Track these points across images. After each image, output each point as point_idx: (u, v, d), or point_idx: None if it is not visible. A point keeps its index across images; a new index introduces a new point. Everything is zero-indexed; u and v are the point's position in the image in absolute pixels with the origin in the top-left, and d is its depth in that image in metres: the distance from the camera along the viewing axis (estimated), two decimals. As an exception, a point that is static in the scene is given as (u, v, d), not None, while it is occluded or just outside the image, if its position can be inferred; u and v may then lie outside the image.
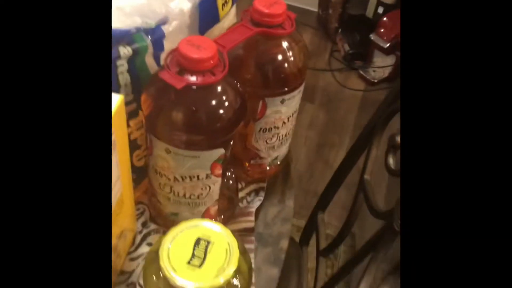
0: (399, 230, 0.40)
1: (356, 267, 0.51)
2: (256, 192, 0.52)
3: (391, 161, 0.44)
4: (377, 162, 0.54)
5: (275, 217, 0.51)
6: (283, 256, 0.48)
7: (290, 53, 0.44)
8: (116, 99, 0.34)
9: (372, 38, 1.51)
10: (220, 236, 0.36)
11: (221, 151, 0.40)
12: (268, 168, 0.52)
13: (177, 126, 0.38)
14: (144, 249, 0.46)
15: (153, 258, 0.36)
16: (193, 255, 0.34)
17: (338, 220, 0.79)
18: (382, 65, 1.56)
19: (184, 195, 0.43)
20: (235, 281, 0.35)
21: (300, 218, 0.94)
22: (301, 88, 0.46)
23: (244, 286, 0.36)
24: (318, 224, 0.63)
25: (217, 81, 0.37)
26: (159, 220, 0.48)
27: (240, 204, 0.51)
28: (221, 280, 0.33)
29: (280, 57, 0.44)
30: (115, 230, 0.40)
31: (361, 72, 1.60)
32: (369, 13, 1.59)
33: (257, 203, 0.50)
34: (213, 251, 0.35)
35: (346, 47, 1.62)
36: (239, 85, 0.40)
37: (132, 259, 0.45)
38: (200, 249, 0.35)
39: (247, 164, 0.51)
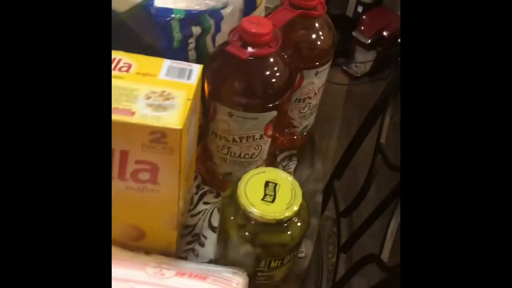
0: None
1: (378, 218, 0.59)
2: (289, 157, 0.60)
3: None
4: (390, 130, 0.62)
5: (308, 178, 0.59)
6: (320, 208, 0.56)
7: (322, 32, 0.52)
8: (198, 69, 0.41)
9: (354, 35, 1.62)
10: (284, 179, 0.43)
11: (274, 113, 0.47)
12: (295, 137, 0.60)
13: (239, 92, 0.45)
14: (202, 207, 0.53)
15: (227, 202, 0.43)
16: (265, 194, 0.42)
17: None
18: (364, 60, 1.67)
19: (240, 155, 0.50)
20: (299, 215, 0.43)
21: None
22: (330, 63, 0.54)
23: (305, 220, 0.43)
24: (335, 190, 0.71)
25: (273, 52, 0.44)
26: (212, 182, 0.54)
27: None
28: (294, 209, 0.40)
29: (314, 35, 0.52)
30: (185, 190, 0.47)
31: (344, 67, 1.71)
32: (349, 12, 1.69)
33: (292, 166, 0.58)
34: (281, 190, 0.42)
35: (329, 45, 1.72)
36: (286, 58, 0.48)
37: (193, 215, 0.52)
38: (270, 189, 0.42)
39: (280, 133, 0.59)
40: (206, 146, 0.52)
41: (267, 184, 0.42)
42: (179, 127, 0.36)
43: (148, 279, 0.40)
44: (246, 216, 0.41)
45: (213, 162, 0.52)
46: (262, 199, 0.41)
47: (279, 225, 0.41)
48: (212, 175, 0.54)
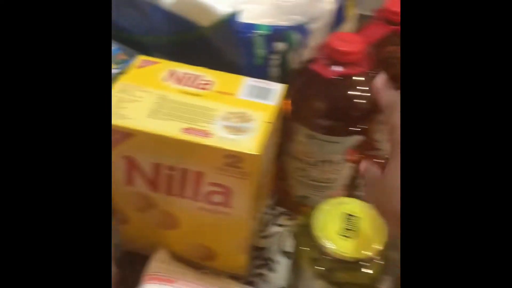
0: None
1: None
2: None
3: None
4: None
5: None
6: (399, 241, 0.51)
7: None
8: (279, 89, 0.39)
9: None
10: (367, 212, 0.39)
11: (359, 138, 0.43)
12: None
13: (321, 113, 0.42)
14: (274, 229, 0.50)
15: (301, 231, 0.41)
16: (343, 228, 0.38)
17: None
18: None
19: (317, 179, 0.47)
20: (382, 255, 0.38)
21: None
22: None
23: (387, 257, 0.39)
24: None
25: (363, 72, 0.41)
26: (286, 203, 0.52)
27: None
28: (376, 247, 0.37)
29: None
30: (257, 209, 0.44)
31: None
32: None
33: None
34: (362, 224, 0.38)
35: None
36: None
37: (264, 237, 0.50)
38: (350, 222, 0.38)
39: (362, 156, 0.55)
40: (282, 166, 0.49)
41: (346, 216, 0.39)
42: (256, 152, 0.34)
43: (214, 306, 0.39)
44: (321, 250, 0.38)
45: (288, 183, 0.49)
46: (340, 234, 0.38)
47: (359, 263, 0.37)
48: (287, 197, 0.51)
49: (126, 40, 0.46)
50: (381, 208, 0.31)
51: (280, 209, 0.52)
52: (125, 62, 0.44)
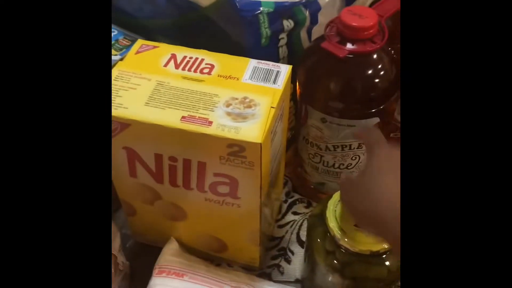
0: None
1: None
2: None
3: None
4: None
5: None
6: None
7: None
8: (286, 71, 0.36)
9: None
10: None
11: (376, 119, 0.40)
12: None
13: (335, 95, 0.39)
14: (290, 217, 0.48)
15: (315, 222, 0.38)
16: (359, 218, 0.35)
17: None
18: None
19: (333, 165, 0.44)
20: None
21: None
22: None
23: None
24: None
25: (377, 49, 0.37)
26: (303, 190, 0.49)
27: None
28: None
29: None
30: (272, 198, 0.42)
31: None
32: None
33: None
34: (379, 215, 0.35)
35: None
36: (394, 54, 0.40)
37: (280, 226, 0.48)
38: (366, 212, 0.36)
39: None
40: (297, 152, 0.47)
41: (362, 206, 0.36)
42: (259, 141, 0.31)
43: (225, 300, 0.37)
44: (335, 243, 0.35)
45: (304, 169, 0.47)
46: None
47: (375, 256, 0.35)
48: (303, 183, 0.49)
49: (130, 25, 0.44)
50: (358, 208, 0.31)
51: (297, 196, 0.50)
52: (127, 48, 0.42)
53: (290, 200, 0.49)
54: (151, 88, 0.34)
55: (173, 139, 0.33)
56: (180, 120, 0.32)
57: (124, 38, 0.44)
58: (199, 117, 0.32)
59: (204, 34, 0.41)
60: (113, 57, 0.42)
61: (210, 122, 0.32)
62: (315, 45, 0.39)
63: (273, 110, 0.33)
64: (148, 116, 0.32)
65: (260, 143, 0.31)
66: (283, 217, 0.48)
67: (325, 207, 0.37)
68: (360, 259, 0.35)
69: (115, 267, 0.40)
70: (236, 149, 0.32)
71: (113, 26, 0.44)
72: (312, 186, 0.48)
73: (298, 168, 0.48)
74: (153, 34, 0.44)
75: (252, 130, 0.32)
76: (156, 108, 0.33)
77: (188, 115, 0.33)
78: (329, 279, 0.37)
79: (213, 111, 0.33)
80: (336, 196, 0.37)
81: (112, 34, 0.44)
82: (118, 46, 0.43)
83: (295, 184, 0.50)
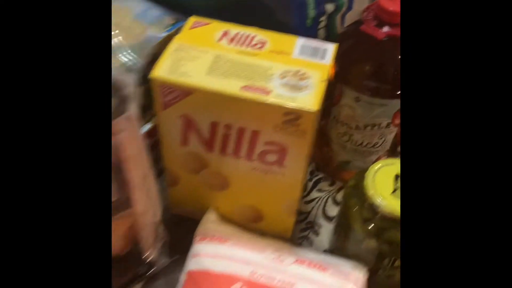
0: None
1: None
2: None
3: None
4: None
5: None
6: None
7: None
8: (332, 48, 0.39)
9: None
10: (417, 172, 0.39)
11: (406, 100, 0.43)
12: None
13: (369, 74, 0.42)
14: (316, 194, 0.51)
15: (351, 192, 0.41)
16: (395, 188, 0.38)
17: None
18: None
19: (361, 144, 0.47)
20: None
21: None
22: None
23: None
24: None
25: (413, 33, 0.41)
26: (327, 169, 0.52)
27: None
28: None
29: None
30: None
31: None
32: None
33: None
34: (413, 184, 0.39)
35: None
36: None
37: (306, 202, 0.50)
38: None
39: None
40: (324, 131, 0.50)
41: (397, 177, 0.39)
42: (315, 109, 0.34)
43: (268, 263, 0.39)
44: (373, 210, 0.38)
45: (330, 148, 0.50)
46: (392, 193, 0.38)
47: (411, 221, 0.38)
48: (328, 162, 0.51)
49: (173, 4, 0.46)
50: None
51: (321, 174, 0.53)
52: (174, 26, 0.44)
53: (314, 179, 0.52)
54: (210, 60, 0.36)
55: (232, 108, 0.35)
56: (240, 89, 0.35)
57: (167, 17, 0.46)
58: (258, 86, 0.35)
59: (249, 13, 0.43)
60: (158, 34, 0.43)
61: (268, 92, 0.35)
62: (353, 29, 0.42)
63: (323, 83, 0.36)
64: (210, 85, 0.35)
65: (316, 111, 0.34)
66: (308, 194, 0.51)
67: (361, 177, 0.40)
68: (396, 225, 0.38)
69: (156, 234, 0.42)
70: (292, 117, 0.35)
71: (155, 5, 0.46)
72: (336, 165, 0.50)
73: (323, 147, 0.51)
74: (197, 13, 0.45)
75: (308, 100, 0.34)
76: (217, 78, 0.35)
77: (247, 84, 0.35)
78: (364, 246, 0.40)
79: (270, 82, 0.35)
80: (374, 166, 0.40)
81: (156, 13, 0.45)
82: (164, 24, 0.44)
83: (318, 163, 0.53)
